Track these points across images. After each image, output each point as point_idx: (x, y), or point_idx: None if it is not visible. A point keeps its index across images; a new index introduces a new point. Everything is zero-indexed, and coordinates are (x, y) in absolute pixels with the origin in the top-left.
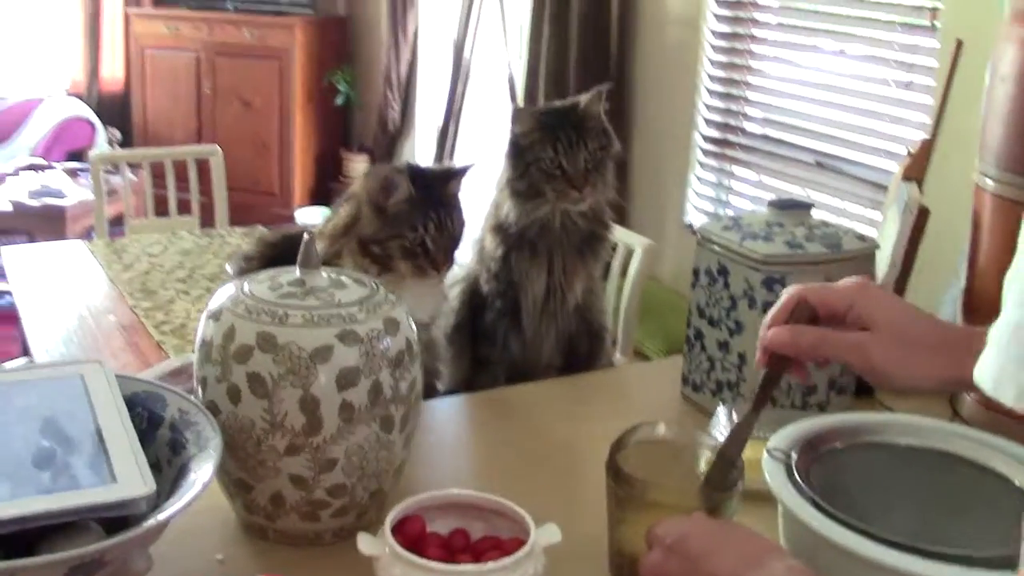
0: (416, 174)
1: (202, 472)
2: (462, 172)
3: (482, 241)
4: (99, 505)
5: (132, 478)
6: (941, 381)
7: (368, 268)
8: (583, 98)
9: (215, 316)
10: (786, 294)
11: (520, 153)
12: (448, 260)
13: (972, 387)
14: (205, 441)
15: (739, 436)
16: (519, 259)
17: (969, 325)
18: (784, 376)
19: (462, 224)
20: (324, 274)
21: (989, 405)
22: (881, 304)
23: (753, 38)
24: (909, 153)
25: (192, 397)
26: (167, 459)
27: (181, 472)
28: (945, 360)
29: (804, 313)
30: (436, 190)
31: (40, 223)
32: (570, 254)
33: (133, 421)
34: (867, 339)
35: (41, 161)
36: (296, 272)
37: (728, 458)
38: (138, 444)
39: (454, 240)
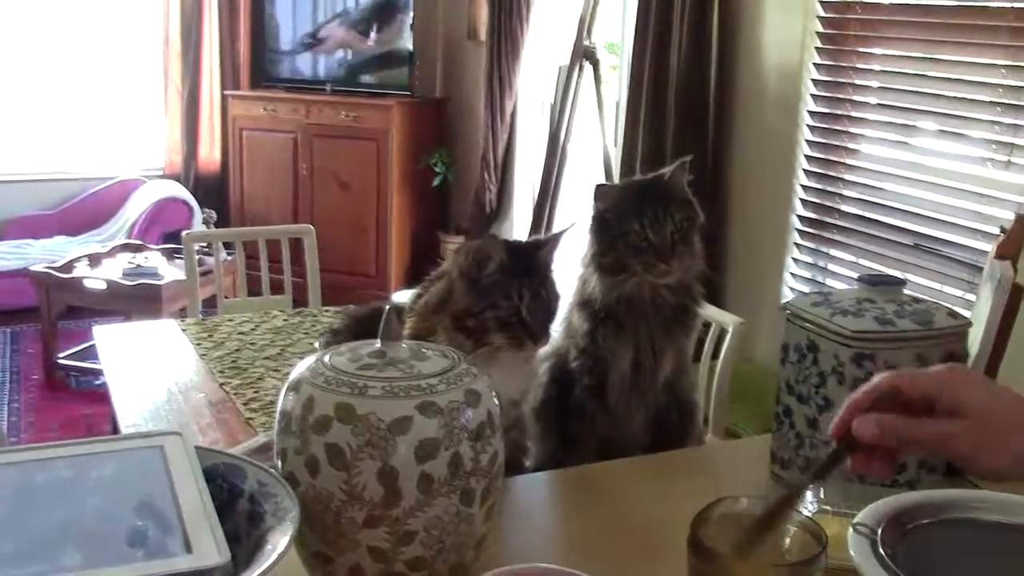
0: (508, 245)
1: (278, 543)
2: (554, 240)
3: (569, 317)
4: (174, 575)
5: (207, 548)
6: None
7: (463, 344)
8: (667, 170)
9: (295, 388)
10: (878, 378)
11: (605, 228)
12: (545, 331)
13: None
14: (283, 512)
15: (787, 501)
16: (606, 335)
17: None
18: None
19: (557, 295)
20: (405, 346)
21: None
22: (971, 389)
23: (851, 119)
24: (1003, 231)
25: (271, 469)
26: (246, 531)
27: (259, 544)
28: None
29: (890, 399)
30: (529, 260)
31: (135, 303)
32: (658, 329)
33: (212, 493)
34: (955, 430)
35: (137, 242)
36: (377, 344)
37: (767, 524)
38: (215, 514)
39: (549, 311)
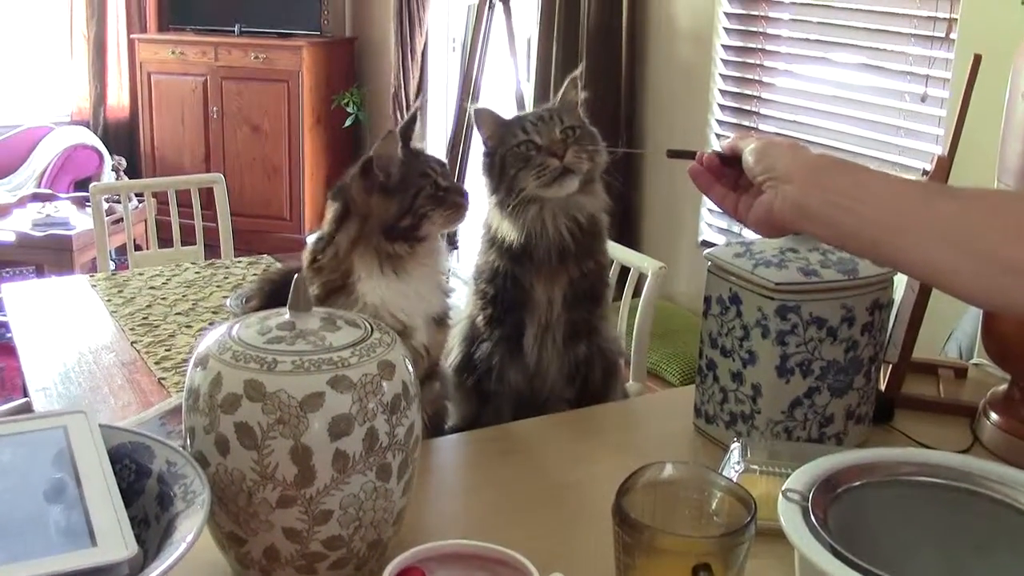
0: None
1: (189, 529)
2: (413, 120)
3: (477, 267)
4: (78, 571)
5: (114, 540)
6: None
7: (398, 252)
8: (558, 94)
9: (201, 363)
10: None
11: (492, 156)
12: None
13: None
14: (192, 495)
15: None
16: (515, 283)
17: (989, 350)
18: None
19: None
20: (316, 316)
21: (1009, 430)
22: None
23: (765, 52)
24: (925, 173)
25: (180, 448)
26: (155, 514)
27: (168, 529)
28: None
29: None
30: (408, 144)
31: (46, 254)
32: (564, 273)
33: (120, 474)
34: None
35: (47, 191)
36: (286, 314)
37: None
38: (121, 503)
39: (455, 177)
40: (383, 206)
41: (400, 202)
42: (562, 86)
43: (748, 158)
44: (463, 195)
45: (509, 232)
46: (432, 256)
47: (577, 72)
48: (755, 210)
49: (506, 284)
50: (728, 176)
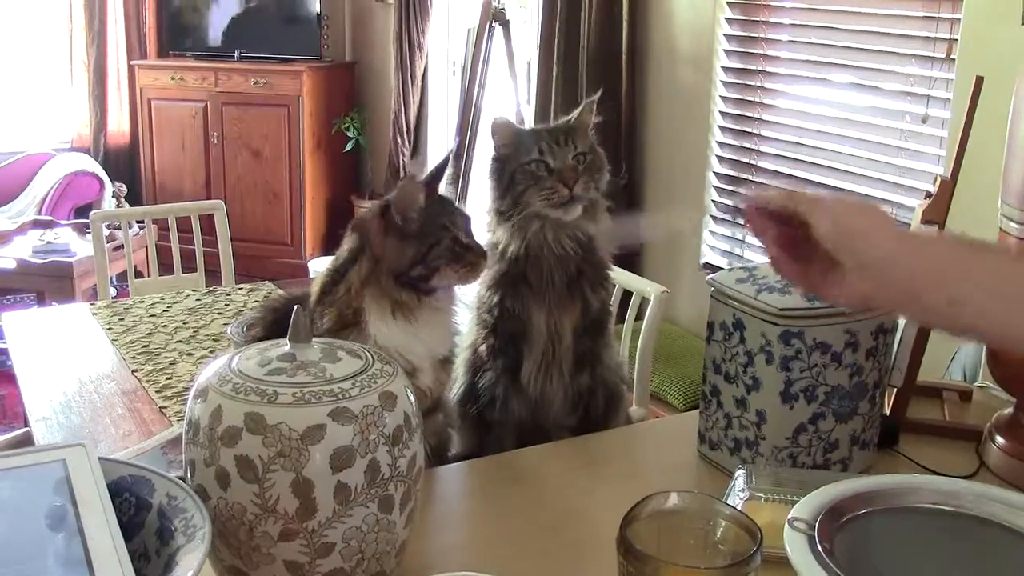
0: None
1: (189, 564)
2: (442, 168)
3: (479, 296)
4: None
5: None
6: None
7: (406, 300)
8: (574, 113)
9: (201, 395)
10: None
11: (502, 165)
12: (483, 248)
13: None
14: (193, 530)
15: None
16: (514, 314)
17: (994, 373)
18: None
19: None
20: (316, 347)
21: (1015, 455)
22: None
23: (765, 74)
24: (928, 195)
25: (180, 482)
26: (155, 549)
27: (169, 563)
28: None
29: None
30: (433, 192)
31: (47, 281)
32: (565, 292)
33: (120, 508)
34: (866, 291)
35: (47, 218)
36: (287, 346)
37: None
38: (120, 537)
39: (472, 229)
40: (397, 250)
41: (415, 250)
42: (577, 108)
43: (827, 236)
44: (482, 255)
45: (508, 241)
46: (443, 302)
47: (596, 97)
48: (846, 296)
49: (505, 314)
50: (783, 234)
